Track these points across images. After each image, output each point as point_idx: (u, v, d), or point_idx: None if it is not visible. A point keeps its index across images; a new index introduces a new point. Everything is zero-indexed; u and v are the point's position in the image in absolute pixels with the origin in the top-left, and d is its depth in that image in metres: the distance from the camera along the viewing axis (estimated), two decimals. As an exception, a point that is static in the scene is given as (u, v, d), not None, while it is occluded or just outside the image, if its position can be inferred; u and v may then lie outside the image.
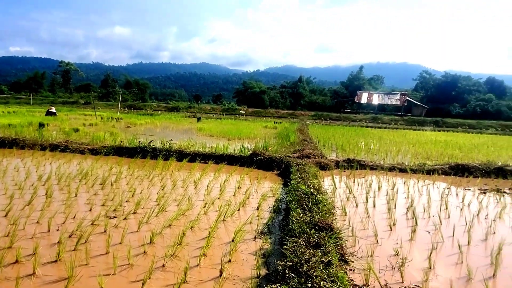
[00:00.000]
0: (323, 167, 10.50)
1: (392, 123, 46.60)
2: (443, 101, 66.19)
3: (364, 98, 65.18)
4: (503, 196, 8.45)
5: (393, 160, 12.57)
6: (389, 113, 61.21)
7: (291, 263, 3.50)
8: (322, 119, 48.33)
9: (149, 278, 3.87)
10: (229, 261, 4.41)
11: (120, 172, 8.98)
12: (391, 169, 10.68)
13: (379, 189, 8.39)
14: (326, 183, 8.96)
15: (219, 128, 23.54)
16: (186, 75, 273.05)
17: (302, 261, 3.51)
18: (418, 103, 64.66)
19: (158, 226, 5.40)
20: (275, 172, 10.37)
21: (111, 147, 12.14)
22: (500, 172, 10.59)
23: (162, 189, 7.70)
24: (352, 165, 10.74)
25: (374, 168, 10.74)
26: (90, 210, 6.12)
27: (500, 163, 11.17)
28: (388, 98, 64.29)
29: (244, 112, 54.91)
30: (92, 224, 5.40)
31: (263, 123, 32.80)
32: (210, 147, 13.28)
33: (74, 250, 4.51)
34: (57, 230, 5.15)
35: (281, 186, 8.63)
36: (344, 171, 10.49)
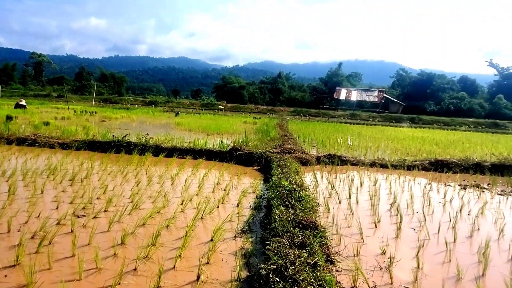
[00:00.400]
0: (304, 162, 10.29)
1: (370, 119, 47.15)
2: (418, 99, 67.66)
3: (343, 94, 65.76)
4: (483, 191, 8.47)
5: (374, 156, 12.51)
6: (367, 110, 62.05)
7: (275, 266, 3.23)
8: (301, 115, 48.37)
9: (119, 283, 3.52)
10: (208, 262, 4.10)
11: (92, 168, 8.48)
12: (372, 164, 10.59)
13: (361, 185, 8.24)
14: (308, 179, 8.74)
15: (198, 123, 23.07)
16: (164, 69, 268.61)
17: (287, 264, 3.24)
18: (395, 100, 65.85)
19: (131, 225, 5.03)
20: (255, 167, 10.09)
21: (83, 141, 11.55)
22: (478, 168, 10.68)
23: (137, 185, 7.28)
24: (333, 160, 10.58)
25: (355, 163, 10.62)
26: (57, 208, 5.66)
27: (477, 159, 11.28)
28: (366, 95, 65.08)
29: (223, 107, 54.36)
30: (58, 223, 4.97)
31: (242, 119, 32.49)
32: (188, 142, 12.87)
33: (36, 253, 4.08)
34: (18, 230, 4.70)
35: (262, 182, 8.36)
36: (325, 167, 10.32)
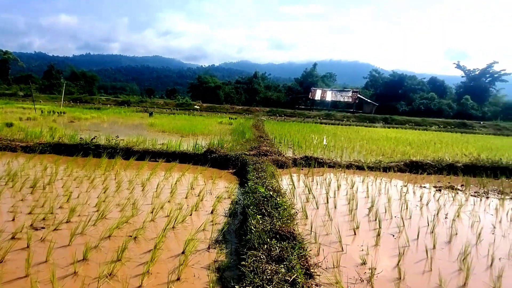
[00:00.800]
0: (281, 165, 10.08)
1: (345, 119, 47.72)
2: (390, 99, 69.18)
3: (318, 95, 66.32)
4: (457, 193, 8.52)
5: (350, 157, 12.48)
6: (342, 110, 62.81)
7: (251, 287, 2.96)
8: (277, 115, 48.39)
9: (77, 308, 3.17)
10: (178, 279, 3.79)
11: (56, 173, 7.95)
12: (349, 166, 10.51)
13: (338, 188, 8.09)
14: (285, 182, 8.54)
15: (172, 124, 22.55)
16: (138, 68, 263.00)
17: (264, 283, 2.98)
18: (369, 100, 67.02)
19: (95, 238, 4.64)
20: (230, 170, 9.80)
21: (48, 144, 10.91)
22: (451, 169, 10.81)
23: (104, 192, 6.84)
24: (309, 162, 10.43)
25: (331, 165, 10.51)
26: (13, 219, 5.19)
27: (450, 160, 11.43)
28: (341, 95, 65.90)
29: (198, 107, 53.60)
30: (12, 238, 4.52)
31: (218, 119, 32.09)
32: (161, 144, 12.43)
33: (-17, 273, 3.66)
34: (-34, 247, 4.23)
35: (237, 186, 8.08)
36: (302, 169, 10.13)
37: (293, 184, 8.04)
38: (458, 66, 74.45)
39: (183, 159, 10.43)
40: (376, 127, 37.78)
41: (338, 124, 38.56)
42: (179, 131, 19.09)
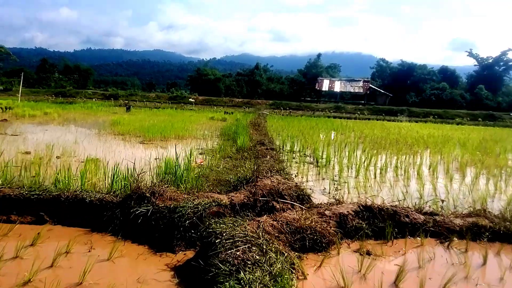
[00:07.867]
0: (314, 241, 3.86)
1: (357, 112, 41.28)
2: (399, 90, 62.89)
3: (325, 85, 59.86)
4: None
5: (434, 188, 6.38)
6: (350, 102, 56.28)
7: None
8: (281, 108, 42.07)
9: None
10: None
11: None
12: (475, 233, 4.28)
13: None
14: None
15: (144, 122, 16.65)
16: (139, 63, 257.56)
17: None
18: (382, 90, 60.49)
19: None
20: (180, 257, 3.73)
21: None
22: None
23: None
24: (379, 225, 4.26)
25: (436, 232, 4.24)
26: None
27: None
28: (351, 86, 59.50)
29: (193, 100, 47.46)
30: None
31: (210, 114, 26.20)
32: (82, 161, 6.49)
33: None
34: None
35: None
36: (367, 253, 3.91)
37: None
38: (471, 54, 68.13)
39: (75, 214, 4.41)
40: (401, 121, 31.59)
41: (355, 118, 32.46)
42: (145, 133, 13.02)
